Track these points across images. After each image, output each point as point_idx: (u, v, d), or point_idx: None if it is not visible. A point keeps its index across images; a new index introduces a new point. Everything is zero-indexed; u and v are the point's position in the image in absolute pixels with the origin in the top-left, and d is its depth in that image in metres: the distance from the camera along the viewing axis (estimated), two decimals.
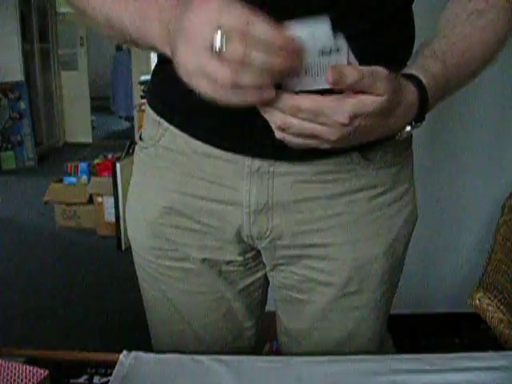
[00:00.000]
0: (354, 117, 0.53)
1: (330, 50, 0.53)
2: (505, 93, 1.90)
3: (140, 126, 4.16)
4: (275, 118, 0.54)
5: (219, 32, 0.48)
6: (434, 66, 0.63)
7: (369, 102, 0.53)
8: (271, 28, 0.49)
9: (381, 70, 0.54)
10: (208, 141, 0.72)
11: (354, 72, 0.52)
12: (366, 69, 0.52)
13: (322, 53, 0.53)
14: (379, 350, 0.86)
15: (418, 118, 0.62)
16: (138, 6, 0.60)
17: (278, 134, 0.56)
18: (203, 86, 0.51)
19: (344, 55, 0.53)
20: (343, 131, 0.54)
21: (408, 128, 0.62)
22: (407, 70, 0.63)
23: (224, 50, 0.48)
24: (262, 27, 0.49)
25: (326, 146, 0.57)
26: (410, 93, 0.59)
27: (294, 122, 0.54)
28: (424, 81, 0.61)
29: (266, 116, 0.55)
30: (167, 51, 0.57)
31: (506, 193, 1.90)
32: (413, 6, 0.72)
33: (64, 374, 0.68)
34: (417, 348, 2.05)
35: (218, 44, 0.48)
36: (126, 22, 0.61)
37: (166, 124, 0.75)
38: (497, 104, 1.93)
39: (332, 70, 0.51)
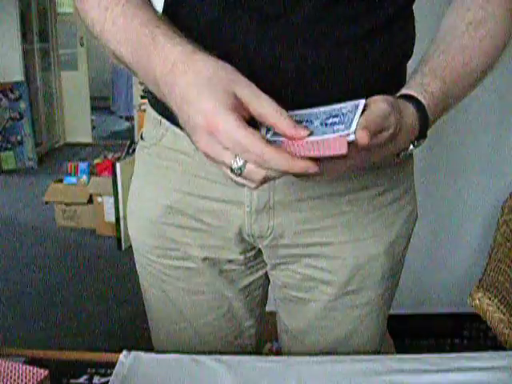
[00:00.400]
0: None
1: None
2: (505, 93, 1.90)
3: (140, 126, 4.16)
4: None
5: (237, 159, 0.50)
6: (433, 85, 0.63)
7: (377, 137, 0.55)
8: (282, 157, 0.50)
9: (385, 108, 0.55)
10: None
11: (364, 138, 0.51)
12: (372, 122, 0.53)
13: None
14: (379, 348, 0.86)
15: (420, 137, 0.63)
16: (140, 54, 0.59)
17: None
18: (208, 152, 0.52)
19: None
20: (353, 160, 0.55)
21: (411, 147, 0.63)
22: (406, 90, 0.63)
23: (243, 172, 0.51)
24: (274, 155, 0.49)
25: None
26: (410, 115, 0.60)
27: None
28: (423, 101, 0.62)
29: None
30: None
31: (506, 193, 1.90)
32: (413, 6, 0.72)
33: (64, 374, 0.68)
34: (417, 348, 2.05)
35: (236, 166, 0.51)
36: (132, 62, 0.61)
37: (167, 123, 0.75)
38: (497, 104, 1.93)
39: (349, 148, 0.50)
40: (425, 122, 0.62)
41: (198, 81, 0.52)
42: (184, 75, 0.53)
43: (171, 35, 0.57)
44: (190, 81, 0.52)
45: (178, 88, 0.53)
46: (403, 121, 0.58)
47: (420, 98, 0.62)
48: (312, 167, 0.49)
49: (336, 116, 0.54)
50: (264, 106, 0.51)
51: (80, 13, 0.68)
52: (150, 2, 0.65)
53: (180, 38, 0.57)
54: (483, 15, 0.67)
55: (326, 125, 0.53)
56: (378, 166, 0.74)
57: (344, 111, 0.55)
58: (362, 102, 0.55)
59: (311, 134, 0.51)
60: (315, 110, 0.57)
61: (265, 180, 0.52)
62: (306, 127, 0.51)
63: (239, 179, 0.52)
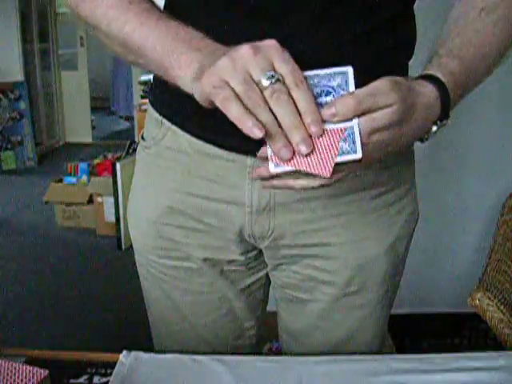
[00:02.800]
0: (368, 134, 0.53)
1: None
2: (505, 93, 1.90)
3: (140, 126, 4.16)
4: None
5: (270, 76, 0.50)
6: (451, 64, 0.62)
7: (379, 116, 0.53)
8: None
9: (383, 84, 0.54)
10: (210, 140, 0.72)
11: (347, 102, 0.52)
12: (363, 91, 0.53)
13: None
14: (380, 349, 0.86)
15: (442, 116, 0.61)
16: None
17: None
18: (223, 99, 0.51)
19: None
20: (364, 152, 0.54)
21: (434, 128, 0.61)
22: (424, 71, 0.62)
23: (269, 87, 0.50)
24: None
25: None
26: (428, 93, 0.59)
27: None
28: (443, 79, 0.60)
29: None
30: (186, 72, 0.57)
31: (506, 193, 1.90)
32: (414, 6, 0.72)
33: (64, 373, 0.68)
34: (417, 348, 2.05)
35: (266, 83, 0.50)
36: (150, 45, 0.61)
37: (168, 123, 0.75)
38: (497, 104, 1.93)
39: (325, 109, 0.52)
40: (446, 101, 0.60)
41: (219, 50, 0.55)
42: (213, 47, 0.56)
43: (193, 30, 0.60)
44: (219, 48, 0.56)
45: (202, 52, 0.56)
46: (418, 100, 0.57)
47: (439, 75, 0.60)
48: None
49: (329, 93, 0.54)
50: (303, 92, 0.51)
51: (81, 5, 0.68)
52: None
53: (202, 34, 0.59)
54: (494, 1, 0.67)
55: (322, 105, 0.53)
56: (379, 167, 0.73)
57: (334, 84, 0.54)
58: (350, 71, 0.54)
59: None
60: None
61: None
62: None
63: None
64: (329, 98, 0.53)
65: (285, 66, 0.51)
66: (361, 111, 0.52)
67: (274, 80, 0.50)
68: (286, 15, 0.63)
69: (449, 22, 0.69)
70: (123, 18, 0.63)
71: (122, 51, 0.66)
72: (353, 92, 0.53)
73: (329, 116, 0.52)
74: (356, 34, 0.65)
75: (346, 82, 0.54)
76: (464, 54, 0.64)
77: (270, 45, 0.51)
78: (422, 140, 0.63)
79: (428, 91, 0.59)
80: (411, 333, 2.06)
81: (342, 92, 0.54)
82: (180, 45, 0.59)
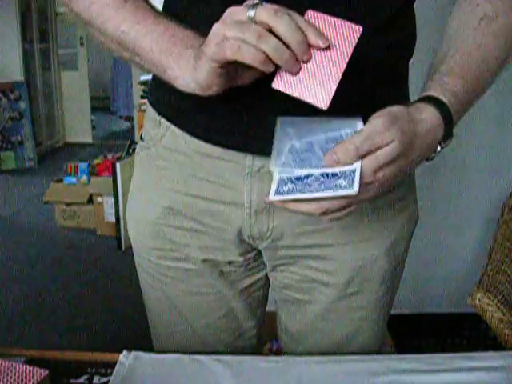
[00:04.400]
0: (374, 173, 0.54)
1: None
2: (505, 93, 1.90)
3: (140, 126, 4.16)
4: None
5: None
6: (453, 83, 0.62)
7: (381, 154, 0.54)
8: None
9: (379, 123, 0.54)
10: (209, 140, 0.71)
11: (347, 149, 0.54)
12: (360, 136, 0.54)
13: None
14: (380, 349, 0.86)
15: (446, 137, 0.61)
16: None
17: (324, 217, 0.58)
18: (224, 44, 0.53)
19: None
20: (372, 189, 0.56)
21: (438, 148, 0.62)
22: (426, 92, 0.62)
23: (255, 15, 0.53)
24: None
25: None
26: (430, 118, 0.59)
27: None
28: (445, 100, 0.60)
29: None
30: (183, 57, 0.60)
31: (506, 193, 1.90)
32: (414, 5, 0.72)
33: (64, 374, 0.68)
34: (417, 348, 2.05)
35: (251, 13, 0.53)
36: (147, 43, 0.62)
37: (167, 124, 0.75)
38: (497, 104, 1.93)
39: (328, 156, 0.55)
40: (449, 121, 0.60)
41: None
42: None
43: (185, 28, 0.62)
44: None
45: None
46: (420, 128, 0.57)
47: (441, 97, 0.61)
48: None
49: (335, 140, 0.57)
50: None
51: (83, 13, 0.68)
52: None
53: (193, 31, 0.62)
54: (494, 9, 0.66)
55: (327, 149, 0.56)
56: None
57: (343, 134, 0.57)
58: (360, 124, 0.56)
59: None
60: (313, 125, 0.58)
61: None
62: None
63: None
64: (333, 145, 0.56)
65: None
66: (361, 155, 0.54)
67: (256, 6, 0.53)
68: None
69: (448, 33, 0.69)
70: (119, 16, 0.64)
71: (117, 49, 0.66)
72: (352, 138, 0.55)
73: (331, 163, 0.54)
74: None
75: (355, 132, 0.56)
76: (466, 72, 0.64)
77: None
78: (427, 159, 0.63)
79: (430, 116, 0.59)
80: (411, 333, 2.06)
81: None
82: (177, 46, 0.60)
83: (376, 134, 0.54)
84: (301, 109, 0.64)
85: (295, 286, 0.81)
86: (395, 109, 0.57)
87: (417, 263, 1.98)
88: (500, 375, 0.68)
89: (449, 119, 0.60)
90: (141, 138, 0.82)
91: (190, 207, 0.75)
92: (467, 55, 0.65)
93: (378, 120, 0.55)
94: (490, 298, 1.25)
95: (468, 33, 0.66)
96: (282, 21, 0.52)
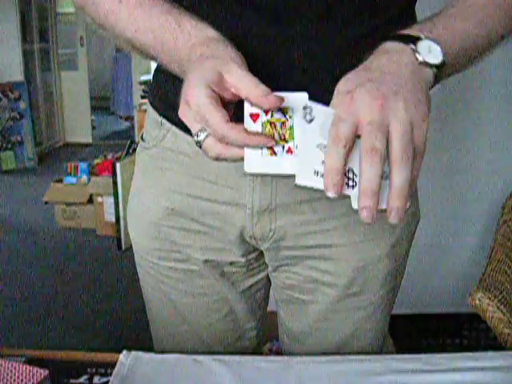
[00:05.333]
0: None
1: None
2: (505, 93, 1.90)
3: (140, 126, 4.16)
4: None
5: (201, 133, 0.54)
6: (448, 38, 0.58)
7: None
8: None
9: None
10: None
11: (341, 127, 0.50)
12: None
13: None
14: (380, 350, 0.86)
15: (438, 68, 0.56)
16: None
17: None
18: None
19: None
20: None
21: (433, 70, 0.56)
22: (411, 31, 0.57)
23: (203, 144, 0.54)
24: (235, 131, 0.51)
25: None
26: (385, 46, 0.56)
27: None
28: (421, 35, 0.56)
29: None
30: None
31: (506, 193, 1.90)
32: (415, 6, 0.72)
33: (64, 373, 0.68)
34: (417, 348, 2.05)
35: (197, 139, 0.55)
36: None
37: (168, 124, 0.75)
38: (497, 104, 1.93)
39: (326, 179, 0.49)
40: (416, 39, 0.55)
41: (199, 59, 0.56)
42: (195, 54, 0.58)
43: (196, 20, 0.60)
44: (195, 58, 0.57)
45: (190, 65, 0.57)
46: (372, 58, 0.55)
47: (415, 33, 0.56)
48: (268, 141, 0.51)
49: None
50: (244, 81, 0.52)
51: (86, 7, 0.68)
52: None
53: (203, 23, 0.60)
54: None
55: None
56: None
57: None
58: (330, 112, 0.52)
59: (282, 100, 0.51)
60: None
61: (219, 157, 0.55)
62: (278, 97, 0.51)
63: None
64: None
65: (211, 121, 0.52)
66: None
67: (200, 142, 0.54)
68: (289, 15, 0.63)
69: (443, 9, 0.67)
70: (117, 10, 0.64)
71: (127, 45, 0.67)
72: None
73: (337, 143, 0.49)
74: (358, 35, 0.65)
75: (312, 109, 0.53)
76: (460, 34, 0.61)
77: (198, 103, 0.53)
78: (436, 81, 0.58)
79: (384, 46, 0.56)
80: (411, 333, 2.06)
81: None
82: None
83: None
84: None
85: (297, 287, 0.81)
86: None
87: (417, 263, 1.98)
88: (500, 375, 0.68)
89: (416, 38, 0.56)
90: (141, 139, 0.82)
91: (192, 208, 0.75)
92: (465, 19, 0.62)
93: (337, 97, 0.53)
94: (489, 298, 1.25)
95: (468, 2, 0.63)
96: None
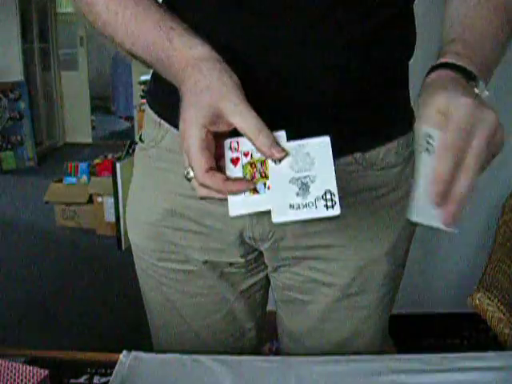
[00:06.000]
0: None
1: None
2: (504, 94, 1.90)
3: (140, 126, 4.16)
4: None
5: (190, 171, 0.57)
6: (467, 53, 0.61)
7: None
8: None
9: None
10: None
11: None
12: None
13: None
14: (380, 350, 0.86)
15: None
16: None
17: None
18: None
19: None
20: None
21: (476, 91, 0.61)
22: (452, 59, 0.60)
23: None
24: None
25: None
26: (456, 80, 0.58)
27: None
28: (461, 63, 0.59)
29: None
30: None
31: (506, 193, 1.90)
32: (414, 6, 0.72)
33: (64, 373, 0.68)
34: (417, 348, 2.05)
35: (187, 175, 0.58)
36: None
37: (166, 125, 0.75)
38: (497, 105, 1.92)
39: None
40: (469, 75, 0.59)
41: (194, 91, 0.56)
42: (188, 80, 0.57)
43: (186, 37, 0.60)
44: (190, 87, 0.56)
45: (184, 88, 0.58)
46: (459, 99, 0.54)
47: (456, 61, 0.59)
48: (248, 185, 0.54)
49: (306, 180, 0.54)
50: (246, 122, 0.53)
51: (87, 16, 0.67)
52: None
53: (195, 39, 0.59)
54: None
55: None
56: (380, 168, 0.73)
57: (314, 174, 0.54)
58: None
59: (286, 154, 0.54)
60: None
61: (204, 198, 0.58)
62: (282, 149, 0.53)
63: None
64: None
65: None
66: None
67: (190, 179, 0.58)
68: (287, 16, 0.63)
69: (449, 12, 0.68)
70: (113, 22, 0.64)
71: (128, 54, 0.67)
72: None
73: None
74: (356, 35, 0.65)
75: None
76: (467, 38, 0.63)
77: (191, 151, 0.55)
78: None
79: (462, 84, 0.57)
80: (411, 333, 2.06)
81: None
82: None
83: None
84: (298, 109, 0.64)
85: (297, 287, 0.81)
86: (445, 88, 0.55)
87: (417, 263, 1.98)
88: (500, 375, 0.68)
89: (468, 74, 0.59)
90: (140, 140, 0.81)
91: (191, 209, 0.75)
92: (472, 28, 0.64)
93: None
94: (489, 298, 1.25)
95: (469, 8, 0.66)
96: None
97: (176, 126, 0.73)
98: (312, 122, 0.66)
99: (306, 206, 0.52)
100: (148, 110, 0.79)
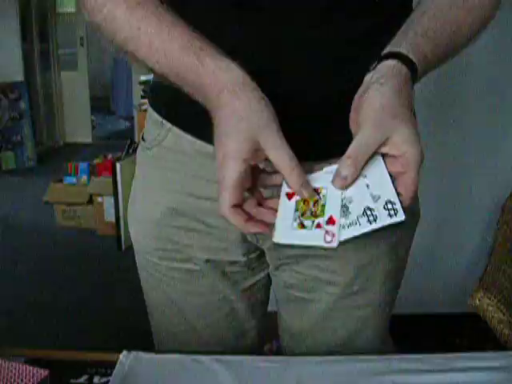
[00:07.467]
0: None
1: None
2: (504, 94, 1.90)
3: (140, 126, 4.16)
4: None
5: None
6: (426, 46, 0.63)
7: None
8: None
9: (367, 130, 0.56)
10: (211, 141, 0.71)
11: (346, 164, 0.56)
12: (353, 147, 0.56)
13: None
14: (381, 349, 0.86)
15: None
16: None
17: None
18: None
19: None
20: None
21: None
22: (397, 48, 0.62)
23: None
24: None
25: None
26: (403, 80, 0.59)
27: None
28: (415, 60, 0.61)
29: None
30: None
31: (506, 193, 1.89)
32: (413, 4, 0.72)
33: (64, 373, 0.68)
34: (417, 348, 2.05)
35: None
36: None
37: (168, 125, 0.75)
38: (496, 104, 1.92)
39: (335, 182, 0.57)
40: (414, 78, 0.61)
41: (232, 119, 0.56)
42: (225, 107, 0.57)
43: (218, 57, 0.58)
44: (227, 114, 0.56)
45: (220, 114, 0.57)
46: (395, 99, 0.57)
47: (413, 58, 0.61)
48: (264, 230, 0.59)
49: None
50: (280, 159, 0.55)
51: (102, 30, 0.66)
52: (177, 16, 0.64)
53: (227, 60, 0.58)
54: None
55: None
56: None
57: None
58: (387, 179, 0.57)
59: (314, 195, 0.58)
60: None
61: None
62: (311, 190, 0.58)
63: None
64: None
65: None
66: (361, 163, 0.56)
67: None
68: (288, 15, 0.63)
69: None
70: (136, 38, 0.62)
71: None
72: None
73: (342, 183, 0.57)
74: (356, 34, 0.65)
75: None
76: (438, 39, 0.64)
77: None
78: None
79: (402, 80, 0.59)
80: (411, 333, 2.06)
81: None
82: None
83: (366, 137, 0.55)
84: (298, 109, 0.65)
85: (299, 285, 0.81)
86: (370, 108, 0.57)
87: (417, 263, 1.98)
88: (500, 375, 0.68)
89: (414, 77, 0.61)
90: (142, 139, 0.82)
91: (193, 208, 0.75)
92: (442, 24, 0.65)
93: (364, 128, 0.56)
94: (489, 298, 1.25)
95: (444, 3, 0.67)
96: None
97: (178, 125, 0.74)
98: (315, 121, 0.66)
99: (368, 219, 0.58)
100: (150, 110, 0.79)
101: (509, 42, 1.77)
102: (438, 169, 1.97)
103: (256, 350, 0.91)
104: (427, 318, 2.12)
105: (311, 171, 0.60)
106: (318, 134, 0.67)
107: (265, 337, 0.94)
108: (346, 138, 0.60)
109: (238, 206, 0.58)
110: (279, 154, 0.55)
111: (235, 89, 0.56)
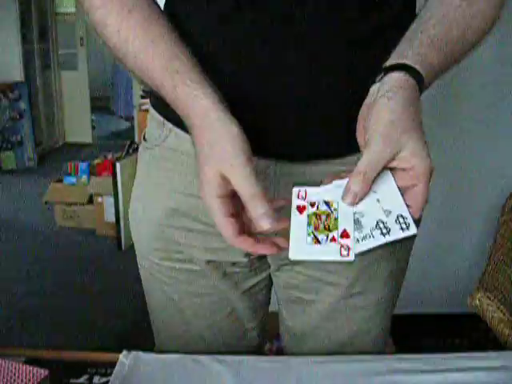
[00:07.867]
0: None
1: None
2: (504, 94, 1.90)
3: (140, 126, 4.16)
4: None
5: None
6: (432, 56, 0.63)
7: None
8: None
9: (376, 144, 0.56)
10: None
11: (357, 180, 0.56)
12: (363, 163, 0.56)
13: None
14: (382, 349, 0.86)
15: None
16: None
17: None
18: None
19: None
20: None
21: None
22: (405, 60, 0.61)
23: None
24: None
25: None
26: (411, 94, 0.59)
27: None
28: (422, 72, 0.61)
29: None
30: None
31: (506, 193, 1.90)
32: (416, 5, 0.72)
33: (64, 373, 0.68)
34: (417, 348, 2.05)
35: None
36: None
37: (170, 125, 0.75)
38: (496, 105, 1.93)
39: (346, 198, 0.57)
40: (421, 89, 0.61)
41: (202, 153, 0.59)
42: (195, 138, 0.60)
43: (190, 84, 0.60)
44: (199, 148, 0.59)
45: (193, 140, 0.60)
46: (405, 113, 0.57)
47: (417, 67, 0.61)
48: (271, 250, 0.60)
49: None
50: (242, 187, 0.56)
51: (100, 35, 0.67)
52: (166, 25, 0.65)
53: (198, 85, 0.60)
54: None
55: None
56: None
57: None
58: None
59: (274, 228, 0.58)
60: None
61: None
62: (269, 223, 0.57)
63: None
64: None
65: None
66: (371, 178, 0.56)
67: None
68: (291, 15, 0.63)
69: (428, 3, 0.68)
70: (124, 49, 0.64)
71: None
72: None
73: (353, 200, 0.56)
74: (358, 35, 0.65)
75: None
76: (443, 47, 0.64)
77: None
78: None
79: (410, 94, 0.59)
80: (411, 333, 2.06)
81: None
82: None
83: (376, 153, 0.55)
84: (298, 109, 0.65)
85: (300, 286, 0.81)
86: (379, 123, 0.57)
87: (417, 263, 1.98)
88: (500, 375, 0.68)
89: (421, 88, 0.61)
90: (144, 139, 0.81)
91: (195, 208, 0.75)
92: (446, 31, 0.65)
93: (373, 143, 0.56)
94: (489, 298, 1.25)
95: (449, 9, 0.66)
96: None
97: (179, 126, 0.74)
98: (319, 121, 0.66)
99: (382, 231, 0.56)
100: (151, 110, 0.79)
101: (509, 42, 1.78)
102: (437, 169, 1.95)
103: (256, 350, 0.91)
104: (427, 317, 2.12)
105: (321, 184, 0.60)
106: (317, 133, 0.67)
107: (265, 337, 0.94)
108: (353, 135, 0.60)
109: (236, 215, 0.58)
110: (242, 183, 0.56)
111: (202, 122, 0.58)
